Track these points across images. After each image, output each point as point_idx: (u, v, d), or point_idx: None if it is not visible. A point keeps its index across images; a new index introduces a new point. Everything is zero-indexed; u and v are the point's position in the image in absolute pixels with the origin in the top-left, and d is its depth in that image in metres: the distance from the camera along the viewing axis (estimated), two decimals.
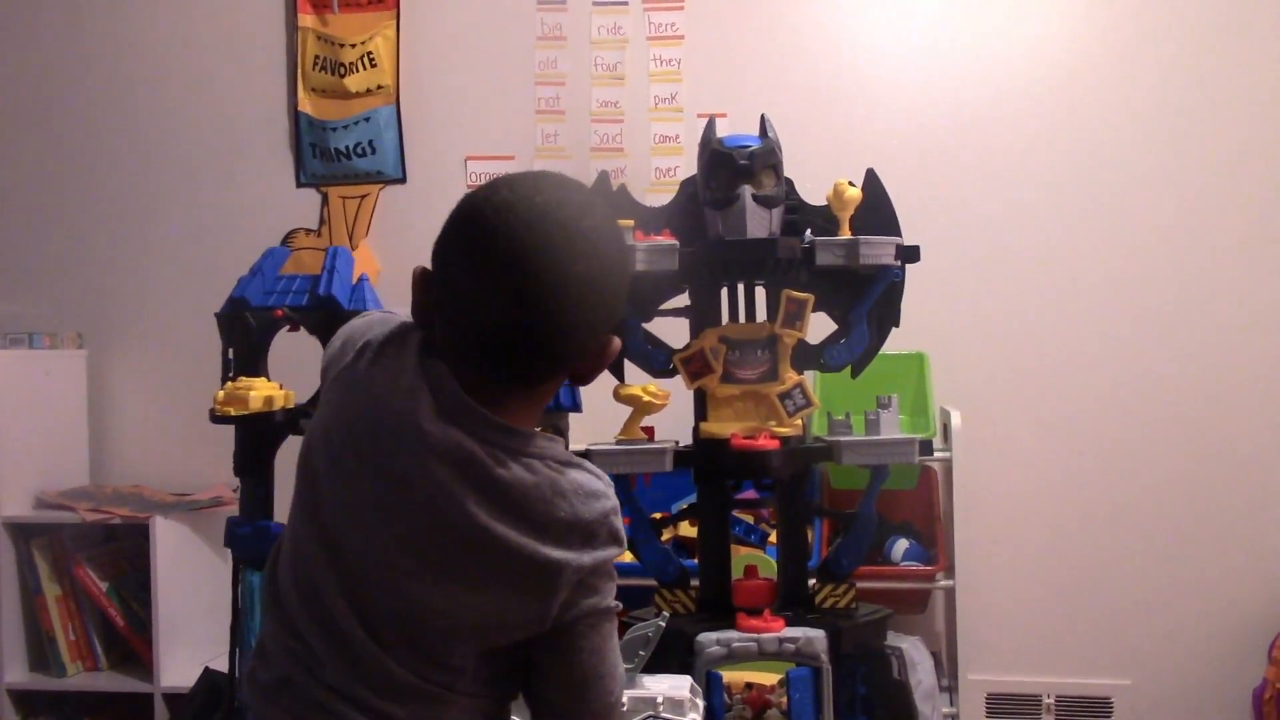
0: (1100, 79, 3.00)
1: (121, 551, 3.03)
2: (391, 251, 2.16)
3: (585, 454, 1.77)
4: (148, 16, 3.35)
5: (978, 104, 3.04)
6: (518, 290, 1.13)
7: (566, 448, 1.89)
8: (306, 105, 3.26)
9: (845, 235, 2.03)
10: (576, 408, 2.14)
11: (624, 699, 1.29)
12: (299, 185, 3.29)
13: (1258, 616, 2.90)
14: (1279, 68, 2.95)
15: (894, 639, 2.11)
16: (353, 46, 3.23)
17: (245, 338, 2.10)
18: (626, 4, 3.15)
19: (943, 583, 2.76)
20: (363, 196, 3.26)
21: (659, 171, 3.13)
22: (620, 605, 1.26)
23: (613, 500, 1.22)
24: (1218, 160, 2.96)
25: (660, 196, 2.34)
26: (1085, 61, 3.01)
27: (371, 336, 1.23)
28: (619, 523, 1.23)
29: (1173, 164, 2.97)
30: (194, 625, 2.92)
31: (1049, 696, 2.95)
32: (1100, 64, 3.00)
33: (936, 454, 2.63)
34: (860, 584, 2.11)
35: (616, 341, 1.23)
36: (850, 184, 2.04)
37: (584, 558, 1.18)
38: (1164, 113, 2.97)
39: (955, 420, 2.76)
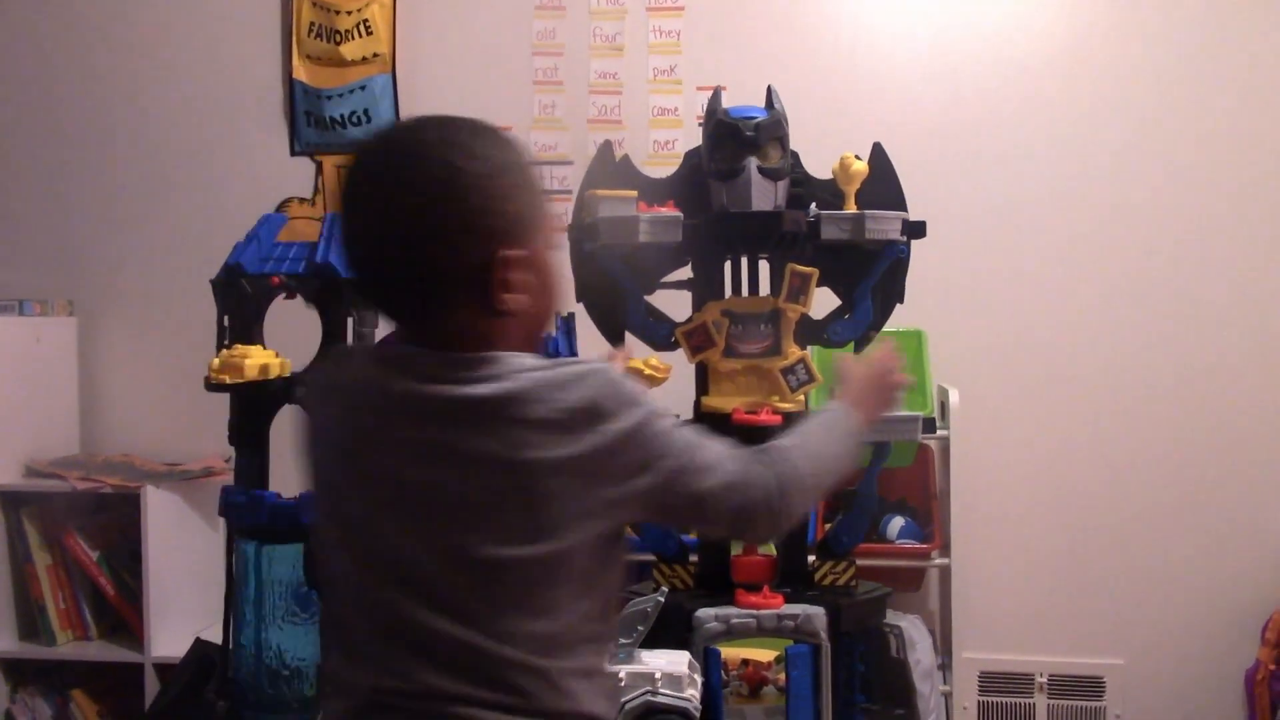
0: (1106, 59, 2.98)
1: (112, 521, 3.00)
2: None
3: None
4: None
5: (981, 81, 3.01)
6: (364, 220, 1.16)
7: None
8: (301, 73, 3.22)
9: (851, 209, 2.02)
10: None
11: (751, 465, 1.27)
12: (293, 153, 3.25)
13: (1251, 598, 2.91)
14: None
15: (893, 617, 2.11)
16: (349, 14, 3.19)
17: (241, 305, 2.07)
18: None
19: (938, 561, 2.76)
20: None
21: (657, 144, 3.10)
22: (676, 418, 1.23)
23: (610, 369, 1.19)
24: (1221, 143, 2.94)
25: (658, 170, 2.32)
26: (1090, 41, 2.99)
27: (306, 388, 1.28)
28: (628, 384, 1.19)
29: (1175, 146, 2.96)
30: (185, 595, 2.90)
31: (1041, 675, 2.95)
32: (1106, 44, 2.98)
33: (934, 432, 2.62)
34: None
35: (517, 255, 1.17)
36: (856, 158, 2.03)
37: (611, 431, 1.15)
38: (1169, 95, 2.96)
39: (953, 398, 2.75)
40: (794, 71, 2.98)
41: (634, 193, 2.02)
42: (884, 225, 1.99)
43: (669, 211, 2.02)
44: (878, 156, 2.06)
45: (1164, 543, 2.97)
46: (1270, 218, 2.95)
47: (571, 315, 2.09)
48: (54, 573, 2.95)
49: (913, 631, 2.03)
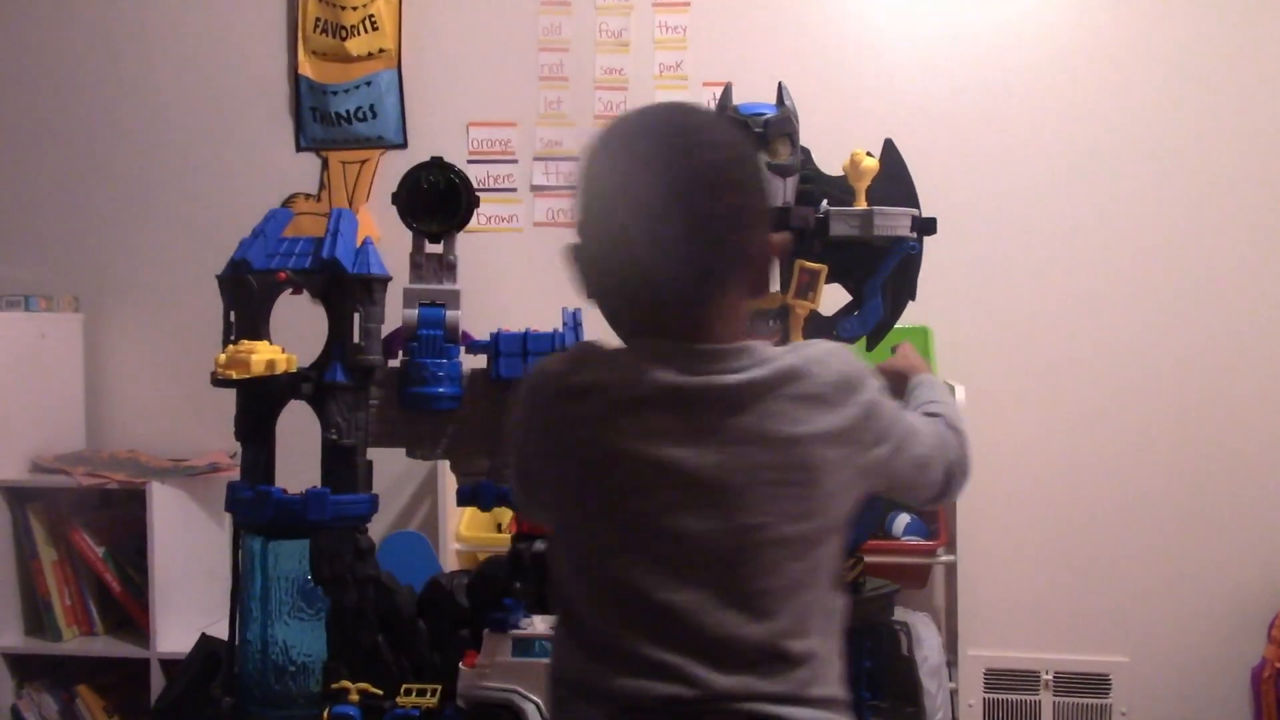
0: (1112, 54, 2.98)
1: (118, 517, 3.00)
2: (392, 218, 2.14)
3: None
4: None
5: (990, 79, 3.01)
6: (646, 212, 1.14)
7: None
8: (307, 68, 3.22)
9: (861, 206, 2.01)
10: None
11: (938, 427, 1.38)
12: (299, 149, 3.25)
13: (1257, 596, 2.91)
14: None
15: (901, 614, 2.10)
16: (354, 9, 3.19)
17: (247, 300, 2.06)
18: None
19: (943, 558, 2.75)
20: (363, 162, 3.23)
21: None
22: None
23: (843, 346, 1.27)
24: (1233, 144, 2.94)
25: None
26: (1098, 36, 2.98)
27: (534, 392, 1.24)
28: (860, 358, 1.26)
29: (1187, 147, 2.95)
30: (190, 591, 2.91)
31: (1047, 673, 2.95)
32: (1113, 39, 2.98)
33: None
34: None
35: (778, 238, 1.23)
36: (868, 154, 2.01)
37: (862, 402, 1.21)
38: (1178, 91, 2.95)
39: (959, 396, 2.73)
40: (801, 67, 2.98)
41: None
42: (893, 222, 1.98)
43: None
44: (889, 153, 2.04)
45: (1171, 540, 2.96)
46: None
47: (579, 311, 2.08)
48: (60, 568, 2.96)
49: (920, 629, 2.02)
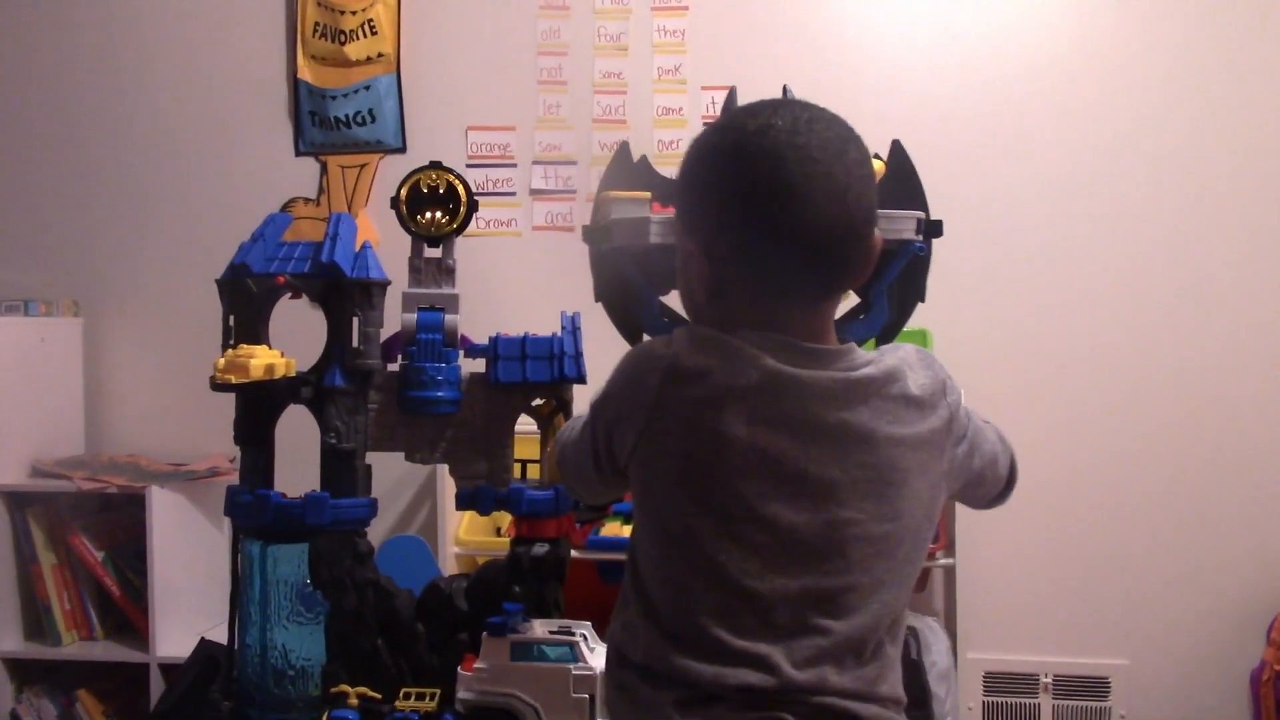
0: (1112, 55, 2.98)
1: (118, 521, 3.01)
2: (391, 221, 2.14)
3: None
4: None
5: (989, 81, 3.01)
6: (826, 190, 1.17)
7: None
8: (306, 73, 3.23)
9: None
10: (581, 379, 2.12)
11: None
12: (298, 154, 3.25)
13: (1256, 598, 2.91)
14: None
15: (909, 619, 2.10)
16: (353, 13, 3.19)
17: (246, 304, 2.06)
18: None
19: (942, 561, 2.75)
20: (362, 166, 3.23)
21: (661, 144, 3.10)
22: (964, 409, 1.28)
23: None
24: (1233, 146, 2.94)
25: (662, 170, 2.31)
26: (1097, 37, 2.99)
27: (647, 369, 1.22)
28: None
29: (1188, 152, 2.95)
30: (190, 596, 2.91)
31: (1046, 676, 2.95)
32: (1112, 40, 2.98)
33: None
34: None
35: (879, 237, 1.25)
36: (876, 156, 2.01)
37: (950, 404, 1.23)
38: (1181, 97, 2.95)
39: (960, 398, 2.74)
40: (798, 70, 2.98)
41: (648, 194, 2.00)
42: (898, 225, 1.96)
43: None
44: (897, 155, 2.03)
45: (1170, 543, 2.96)
46: None
47: (577, 315, 2.08)
48: (59, 573, 2.96)
49: (928, 634, 2.01)
